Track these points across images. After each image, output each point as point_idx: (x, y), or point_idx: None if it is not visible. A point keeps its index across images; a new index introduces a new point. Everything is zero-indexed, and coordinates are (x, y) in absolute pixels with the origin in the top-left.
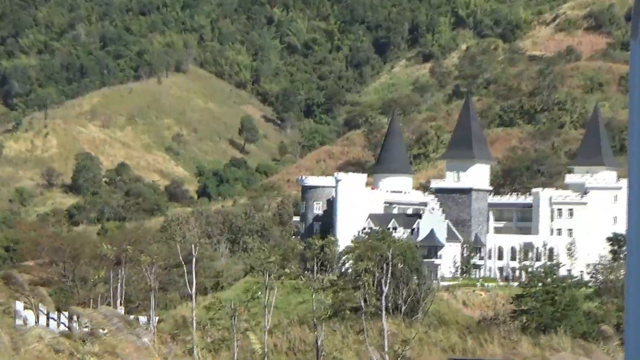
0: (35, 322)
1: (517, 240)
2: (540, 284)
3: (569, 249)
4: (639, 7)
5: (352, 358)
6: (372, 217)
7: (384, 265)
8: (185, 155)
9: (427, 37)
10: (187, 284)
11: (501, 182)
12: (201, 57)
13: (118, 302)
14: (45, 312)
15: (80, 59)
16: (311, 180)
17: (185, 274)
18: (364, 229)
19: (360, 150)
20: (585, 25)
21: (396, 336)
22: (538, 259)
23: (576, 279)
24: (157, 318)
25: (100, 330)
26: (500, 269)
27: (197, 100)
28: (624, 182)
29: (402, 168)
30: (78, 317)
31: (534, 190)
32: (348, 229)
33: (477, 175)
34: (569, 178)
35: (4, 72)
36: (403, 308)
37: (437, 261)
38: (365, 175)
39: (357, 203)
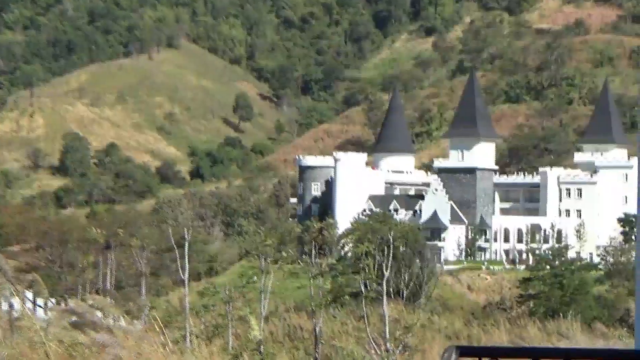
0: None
1: (523, 222)
2: (548, 267)
3: (577, 231)
4: None
5: (352, 345)
6: (373, 198)
7: (385, 248)
8: (177, 135)
9: (430, 10)
10: (180, 269)
11: (507, 161)
12: (194, 32)
13: (108, 288)
14: (32, 300)
15: (67, 34)
16: (309, 160)
17: (178, 259)
18: (364, 210)
19: (360, 128)
20: None
21: (398, 322)
22: (546, 241)
23: (585, 261)
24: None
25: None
26: (507, 252)
27: (189, 77)
28: (635, 161)
29: (403, 147)
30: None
31: (541, 169)
32: (347, 210)
33: (482, 154)
34: (578, 157)
35: None
36: (405, 293)
37: (440, 244)
38: (365, 154)
39: (356, 184)
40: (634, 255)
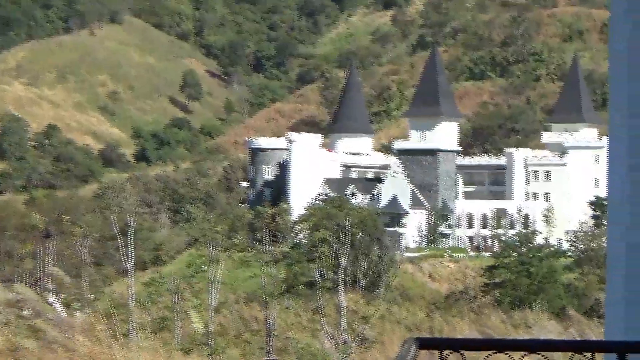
0: None
1: (488, 206)
2: (514, 254)
3: (546, 215)
4: None
5: (307, 338)
6: (329, 181)
7: (342, 235)
8: (121, 115)
9: None
10: (124, 258)
11: (471, 141)
12: (138, 6)
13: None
14: None
15: (4, 9)
16: (261, 142)
17: (122, 247)
18: (320, 195)
19: (314, 108)
20: None
21: (356, 313)
22: (512, 227)
23: (554, 248)
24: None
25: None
26: (471, 238)
27: (133, 54)
28: (606, 140)
29: (361, 127)
30: None
31: (507, 150)
32: (302, 195)
33: (444, 135)
34: (546, 137)
35: None
36: (363, 282)
37: (400, 230)
38: (320, 135)
39: (311, 166)
40: (605, 240)
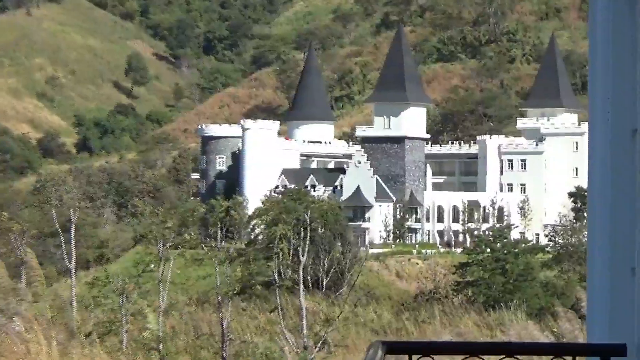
0: None
1: (459, 198)
2: (488, 250)
3: (521, 208)
4: None
5: (265, 342)
6: (287, 172)
7: (302, 230)
8: (61, 102)
9: None
10: (66, 257)
11: (440, 128)
12: None
13: None
14: None
15: None
16: (213, 130)
17: (63, 245)
18: (277, 187)
19: (271, 92)
20: None
21: (317, 315)
22: (485, 220)
23: (531, 243)
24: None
25: None
26: (441, 233)
27: (74, 36)
28: (586, 127)
29: (321, 114)
30: None
31: (479, 138)
32: (258, 187)
33: (412, 121)
34: (522, 123)
35: None
36: (325, 282)
37: (364, 224)
38: (277, 122)
39: (268, 156)
40: (586, 235)
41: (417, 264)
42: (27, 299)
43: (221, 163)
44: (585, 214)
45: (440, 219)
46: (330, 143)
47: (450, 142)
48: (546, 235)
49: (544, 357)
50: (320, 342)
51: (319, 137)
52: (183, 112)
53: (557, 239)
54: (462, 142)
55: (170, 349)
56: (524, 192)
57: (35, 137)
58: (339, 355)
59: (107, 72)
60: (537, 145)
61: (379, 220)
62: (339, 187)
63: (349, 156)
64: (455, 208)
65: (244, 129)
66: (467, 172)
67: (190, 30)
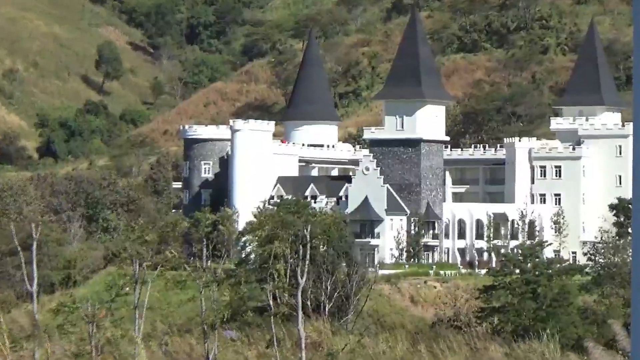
0: None
1: (484, 211)
2: (517, 271)
3: (556, 222)
4: None
5: None
6: (283, 181)
7: (301, 248)
8: (21, 100)
9: None
10: (26, 279)
11: (462, 130)
12: None
13: None
14: None
15: None
16: (197, 131)
17: (23, 265)
18: (272, 197)
19: (265, 88)
20: None
21: (319, 347)
22: (514, 237)
23: (567, 263)
24: None
25: None
26: (462, 251)
27: (37, 22)
28: (630, 127)
29: (323, 112)
30: None
31: (507, 140)
32: (250, 198)
33: (429, 122)
34: (556, 123)
35: None
36: (328, 307)
37: (373, 241)
38: (272, 123)
39: (261, 162)
40: (630, 253)
41: (435, 287)
42: None
43: (207, 170)
44: (629, 229)
45: (461, 235)
46: (333, 147)
47: (473, 145)
48: (584, 254)
49: None
50: None
51: (320, 139)
52: (163, 110)
53: (597, 258)
54: (487, 145)
55: None
56: (559, 204)
57: None
58: None
59: (75, 65)
60: (574, 149)
61: (390, 237)
62: (343, 198)
63: (356, 162)
64: (478, 222)
65: (233, 131)
66: (493, 181)
67: (171, 15)
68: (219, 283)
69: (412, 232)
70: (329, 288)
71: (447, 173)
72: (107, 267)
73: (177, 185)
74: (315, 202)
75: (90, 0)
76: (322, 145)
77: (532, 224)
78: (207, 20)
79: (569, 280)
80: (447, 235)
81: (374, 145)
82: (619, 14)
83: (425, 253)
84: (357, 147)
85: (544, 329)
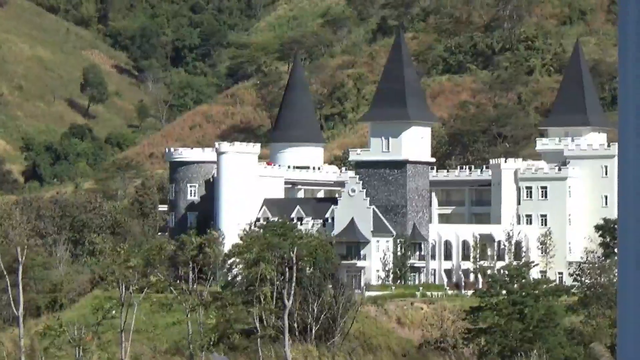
0: None
1: (470, 232)
2: (503, 292)
3: (542, 243)
4: None
5: None
6: (269, 203)
7: (287, 270)
8: (6, 123)
9: None
10: (12, 302)
11: (448, 151)
12: None
13: None
14: None
15: None
16: (183, 154)
17: (9, 288)
18: (258, 220)
19: (250, 111)
20: None
21: None
22: (500, 258)
23: (553, 283)
24: None
25: None
26: (448, 272)
27: (21, 46)
28: (616, 148)
29: (309, 135)
30: None
31: (493, 161)
32: (236, 220)
33: (414, 143)
34: (542, 144)
35: None
36: (314, 329)
37: (360, 263)
38: (258, 145)
39: (247, 184)
40: (617, 274)
41: (422, 308)
42: None
43: (193, 192)
44: (615, 250)
45: (447, 256)
46: (319, 169)
47: (459, 166)
48: (571, 275)
49: None
50: None
51: (306, 161)
52: (148, 133)
53: (583, 279)
54: (472, 166)
55: None
56: (545, 225)
57: None
58: None
59: (60, 88)
60: (559, 169)
61: (376, 258)
62: (329, 220)
63: (342, 184)
64: (465, 243)
65: (219, 153)
66: (479, 202)
67: (155, 38)
68: (206, 306)
69: (399, 253)
70: (315, 310)
71: (433, 194)
72: (93, 291)
73: (163, 208)
74: (301, 224)
75: (75, 24)
76: (308, 167)
77: (518, 244)
78: (192, 42)
79: (556, 301)
80: (433, 257)
81: (360, 167)
82: (604, 35)
83: (412, 274)
84: (343, 168)
85: (531, 350)
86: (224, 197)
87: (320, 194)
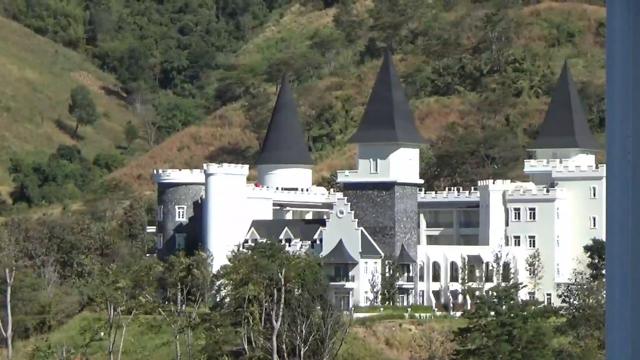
0: None
1: (458, 253)
2: (492, 314)
3: (530, 264)
4: None
5: None
6: (257, 224)
7: (275, 291)
8: None
9: None
10: (0, 324)
11: (436, 172)
12: (14, 5)
13: None
14: None
15: None
16: (171, 176)
17: None
18: (247, 241)
19: (238, 132)
20: None
21: None
22: (488, 279)
23: (542, 305)
24: None
25: None
26: (437, 294)
27: (9, 67)
28: (604, 170)
29: (297, 156)
30: None
31: (481, 183)
32: (224, 242)
33: (402, 165)
34: (530, 165)
35: None
36: (303, 351)
37: (348, 284)
38: (246, 167)
39: (235, 206)
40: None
41: (410, 330)
42: None
43: (181, 214)
44: (604, 271)
45: (436, 278)
46: (307, 190)
47: (447, 188)
48: (559, 296)
49: None
50: None
51: (294, 183)
52: (136, 155)
53: (572, 300)
54: (461, 188)
55: None
56: (533, 246)
57: None
58: None
59: (48, 109)
60: (548, 191)
61: (365, 280)
62: (318, 241)
63: (330, 205)
64: (453, 265)
65: (207, 175)
66: (467, 223)
67: (144, 60)
68: (194, 327)
69: (387, 274)
70: (304, 331)
71: (422, 216)
72: (81, 312)
73: (152, 229)
74: (289, 246)
75: (63, 45)
76: (296, 189)
77: (506, 266)
78: (181, 64)
79: (544, 322)
80: (421, 278)
81: (348, 188)
82: (592, 57)
83: (400, 296)
84: (331, 190)
85: None
86: (212, 219)
87: (309, 216)
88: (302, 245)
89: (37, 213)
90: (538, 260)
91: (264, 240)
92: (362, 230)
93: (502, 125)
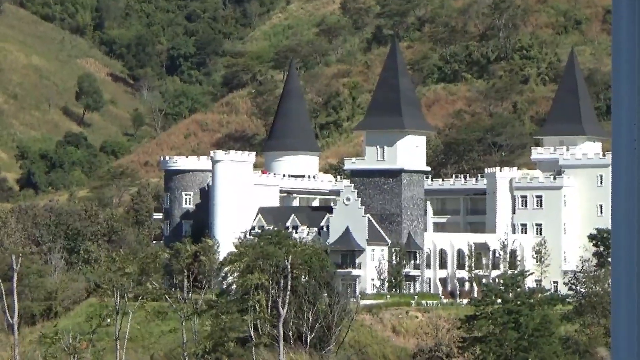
0: None
1: (465, 241)
2: (499, 301)
3: (537, 252)
4: None
5: None
6: (264, 211)
7: (282, 279)
8: (1, 132)
9: None
10: (7, 310)
11: (443, 160)
12: None
13: None
14: None
15: None
16: (178, 162)
17: (4, 296)
18: (253, 228)
19: (245, 119)
20: None
21: None
22: (495, 267)
23: (548, 293)
24: None
25: None
26: (443, 281)
27: (16, 54)
28: (610, 157)
29: (304, 143)
30: None
31: (488, 170)
32: (231, 229)
33: (409, 152)
34: (537, 153)
35: None
36: (309, 338)
37: (355, 272)
38: (253, 154)
39: (242, 193)
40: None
41: (417, 317)
42: None
43: (188, 201)
44: (609, 259)
45: (442, 265)
46: (314, 177)
47: (454, 175)
48: (566, 284)
49: None
50: None
51: (301, 170)
52: (143, 142)
53: (578, 288)
54: (467, 175)
55: None
56: (540, 234)
57: None
58: None
59: (55, 96)
60: (554, 179)
61: (371, 267)
62: (324, 229)
63: (337, 192)
64: (460, 252)
65: (214, 162)
66: (474, 211)
67: (151, 47)
68: (200, 314)
69: (394, 262)
70: (310, 319)
71: (428, 203)
72: (88, 299)
73: (158, 216)
74: (296, 233)
75: (70, 32)
76: (303, 176)
77: (513, 253)
78: (188, 51)
79: (551, 310)
80: (428, 265)
81: (355, 175)
82: (600, 44)
83: (407, 283)
84: (338, 177)
85: (526, 359)
86: (219, 206)
87: (316, 203)
88: (308, 232)
89: (44, 200)
90: (545, 248)
91: (271, 227)
92: (369, 218)
93: (509, 113)
